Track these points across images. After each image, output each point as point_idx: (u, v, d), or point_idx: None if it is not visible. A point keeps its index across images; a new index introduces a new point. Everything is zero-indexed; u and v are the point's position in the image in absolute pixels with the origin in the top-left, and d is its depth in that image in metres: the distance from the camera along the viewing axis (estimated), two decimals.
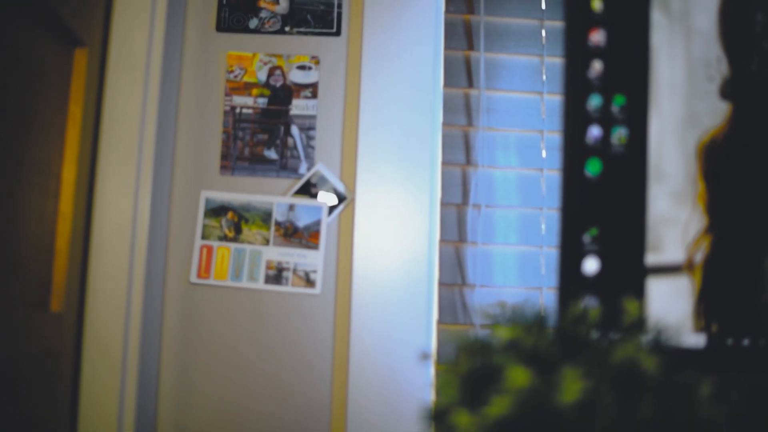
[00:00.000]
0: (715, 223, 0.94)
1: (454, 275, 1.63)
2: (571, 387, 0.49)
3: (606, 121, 0.89)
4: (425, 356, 0.68)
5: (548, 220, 1.66)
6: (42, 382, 1.17)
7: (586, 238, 0.88)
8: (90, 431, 1.41)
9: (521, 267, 1.65)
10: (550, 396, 0.51)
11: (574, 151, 0.89)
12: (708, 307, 0.93)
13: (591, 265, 0.88)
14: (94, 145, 1.48)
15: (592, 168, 0.89)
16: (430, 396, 1.55)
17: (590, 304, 0.86)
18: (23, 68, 1.12)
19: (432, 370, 1.57)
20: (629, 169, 0.90)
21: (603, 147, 0.89)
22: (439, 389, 0.62)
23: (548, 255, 1.64)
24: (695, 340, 0.92)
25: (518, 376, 0.51)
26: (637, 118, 0.90)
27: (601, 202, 0.89)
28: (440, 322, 1.61)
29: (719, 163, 0.94)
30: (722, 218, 0.94)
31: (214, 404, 1.58)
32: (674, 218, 0.93)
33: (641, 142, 0.91)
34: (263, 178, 1.63)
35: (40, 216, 1.19)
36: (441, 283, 1.63)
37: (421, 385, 1.54)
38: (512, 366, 0.52)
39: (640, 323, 0.61)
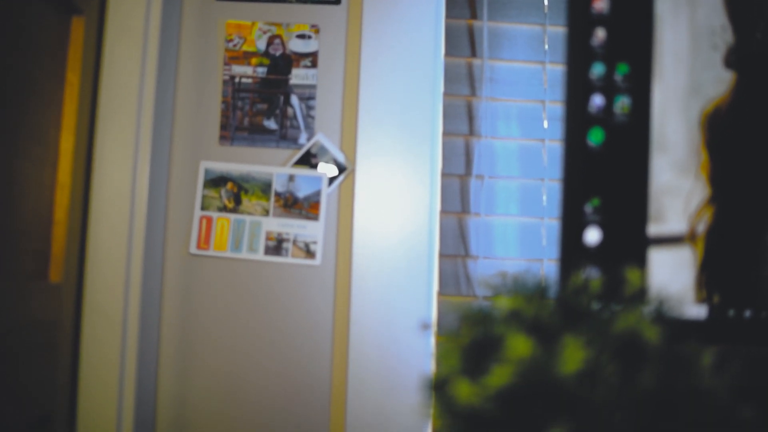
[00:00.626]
0: (718, 193, 0.94)
1: (456, 246, 1.63)
2: (573, 357, 0.49)
3: (609, 89, 0.88)
4: (425, 326, 0.68)
5: (549, 191, 1.65)
6: (42, 352, 1.17)
7: (588, 208, 0.88)
8: (90, 401, 1.42)
9: (522, 238, 1.65)
10: (551, 366, 0.51)
11: (576, 120, 0.88)
12: (710, 278, 0.93)
13: (593, 236, 0.88)
14: (92, 115, 1.47)
15: (595, 137, 0.88)
16: (430, 366, 1.56)
17: (592, 274, 0.86)
18: (20, 37, 1.11)
19: (432, 341, 1.58)
20: (632, 139, 0.90)
21: (605, 116, 0.89)
22: (440, 359, 0.62)
23: (549, 226, 1.64)
24: (697, 311, 0.92)
25: (519, 346, 0.51)
26: (640, 86, 0.90)
27: (603, 171, 0.89)
28: (441, 293, 1.62)
29: (723, 133, 0.94)
30: (725, 189, 0.94)
31: (215, 374, 1.59)
32: (677, 188, 0.92)
33: (644, 111, 0.90)
34: (263, 148, 1.63)
35: (38, 186, 1.18)
36: (442, 255, 1.63)
37: (422, 356, 1.55)
38: (513, 335, 0.52)
39: (641, 293, 0.61)
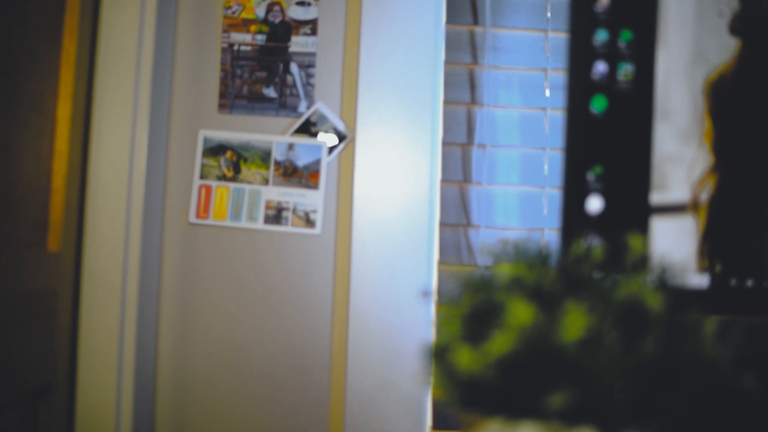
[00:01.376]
0: (721, 162, 0.93)
1: (456, 215, 1.63)
2: (575, 323, 0.49)
3: (612, 56, 0.88)
4: (426, 294, 0.68)
5: (551, 160, 1.65)
6: (41, 320, 1.18)
7: (590, 176, 0.87)
8: (90, 369, 1.43)
9: (523, 208, 1.64)
10: (553, 333, 0.50)
11: (579, 87, 0.88)
12: (712, 247, 0.93)
13: (595, 204, 0.87)
14: (89, 83, 1.46)
15: (597, 105, 0.88)
16: (430, 335, 1.56)
17: (593, 243, 0.86)
18: (15, 3, 1.10)
19: (433, 309, 1.58)
20: (635, 106, 0.89)
21: (609, 83, 0.88)
22: (440, 327, 0.62)
23: (551, 195, 1.63)
24: (699, 280, 0.92)
25: (521, 312, 0.51)
26: (644, 53, 0.89)
27: (606, 139, 0.88)
28: (442, 262, 1.62)
29: (727, 101, 0.93)
30: (728, 157, 0.94)
31: (214, 343, 1.59)
32: (680, 157, 0.92)
33: (648, 78, 0.89)
34: (262, 116, 1.62)
35: (35, 154, 1.18)
36: (443, 224, 1.63)
37: (422, 324, 1.55)
38: (515, 302, 0.52)
39: (644, 261, 0.61)
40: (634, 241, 0.58)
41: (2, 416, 1.09)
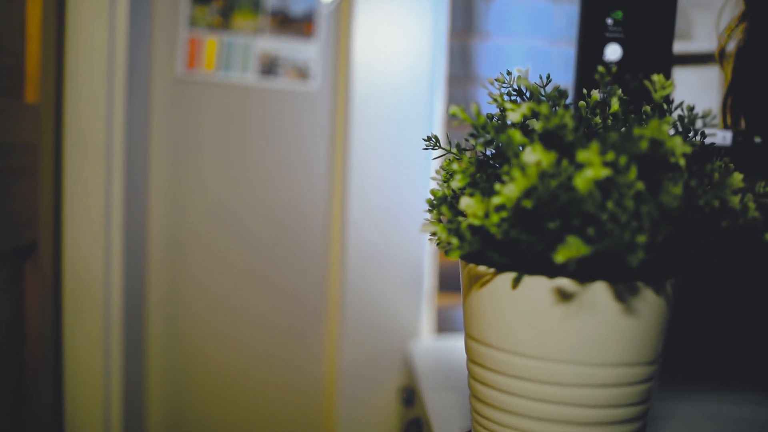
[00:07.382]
0: (753, 8, 0.91)
1: (463, 69, 1.61)
2: (594, 167, 0.48)
3: None
4: (430, 140, 0.67)
5: (567, 13, 1.61)
6: (22, 177, 1.17)
7: (610, 21, 0.85)
8: (76, 228, 1.43)
9: (533, 62, 1.62)
10: (570, 177, 0.50)
11: None
12: (737, 101, 0.92)
13: (613, 52, 0.86)
14: None
15: None
16: (435, 186, 1.56)
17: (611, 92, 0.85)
18: None
19: (438, 162, 1.57)
20: None
21: None
22: (448, 175, 0.61)
23: (565, 52, 1.60)
24: (722, 136, 0.91)
25: (536, 156, 0.50)
26: None
27: None
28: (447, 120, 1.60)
29: None
30: (761, 3, 0.91)
31: (206, 204, 1.60)
32: (707, 2, 0.90)
33: None
34: None
35: None
36: (449, 77, 1.60)
37: (426, 180, 1.55)
38: (531, 145, 0.51)
39: (666, 102, 0.59)
40: (657, 78, 0.57)
41: None
